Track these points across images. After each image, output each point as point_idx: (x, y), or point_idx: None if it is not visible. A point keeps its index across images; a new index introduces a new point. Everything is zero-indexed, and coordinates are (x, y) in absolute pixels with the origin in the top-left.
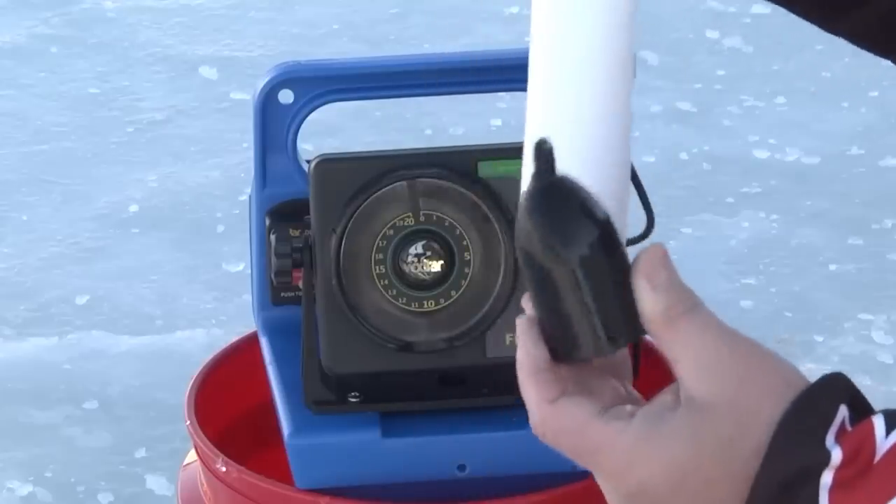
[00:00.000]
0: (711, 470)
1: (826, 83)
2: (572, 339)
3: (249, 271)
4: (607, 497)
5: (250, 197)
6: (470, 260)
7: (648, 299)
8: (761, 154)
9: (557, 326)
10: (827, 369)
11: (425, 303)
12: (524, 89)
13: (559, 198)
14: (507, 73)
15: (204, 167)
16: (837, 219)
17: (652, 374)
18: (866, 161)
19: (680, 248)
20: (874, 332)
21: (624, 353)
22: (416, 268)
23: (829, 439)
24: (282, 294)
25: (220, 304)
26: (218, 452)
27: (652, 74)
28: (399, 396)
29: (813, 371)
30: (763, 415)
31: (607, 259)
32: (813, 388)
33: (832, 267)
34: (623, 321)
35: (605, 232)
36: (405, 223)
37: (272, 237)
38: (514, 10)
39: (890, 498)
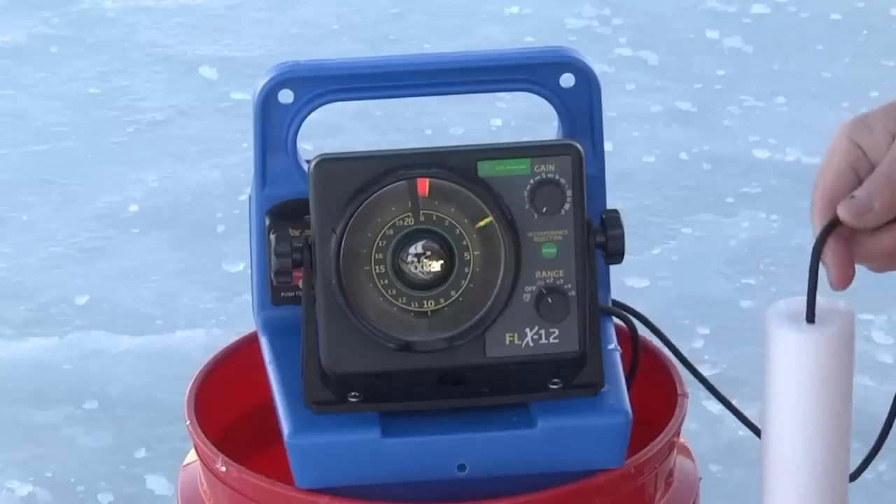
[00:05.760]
0: None
1: (826, 83)
2: None
3: (249, 271)
4: None
5: (250, 197)
6: (470, 260)
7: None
8: (761, 154)
9: None
10: None
11: (425, 303)
12: (524, 89)
13: None
14: (507, 73)
15: (204, 167)
16: None
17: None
18: None
19: (680, 248)
20: (874, 332)
21: None
22: (415, 267)
23: None
24: (282, 294)
25: (220, 304)
26: (218, 452)
27: (652, 74)
28: (399, 396)
29: None
30: None
31: None
32: None
33: None
34: None
35: None
36: (405, 223)
37: (272, 237)
38: (514, 10)
39: None
